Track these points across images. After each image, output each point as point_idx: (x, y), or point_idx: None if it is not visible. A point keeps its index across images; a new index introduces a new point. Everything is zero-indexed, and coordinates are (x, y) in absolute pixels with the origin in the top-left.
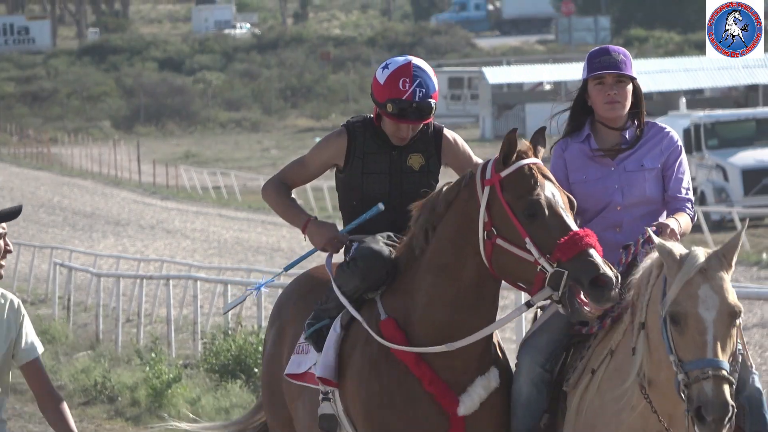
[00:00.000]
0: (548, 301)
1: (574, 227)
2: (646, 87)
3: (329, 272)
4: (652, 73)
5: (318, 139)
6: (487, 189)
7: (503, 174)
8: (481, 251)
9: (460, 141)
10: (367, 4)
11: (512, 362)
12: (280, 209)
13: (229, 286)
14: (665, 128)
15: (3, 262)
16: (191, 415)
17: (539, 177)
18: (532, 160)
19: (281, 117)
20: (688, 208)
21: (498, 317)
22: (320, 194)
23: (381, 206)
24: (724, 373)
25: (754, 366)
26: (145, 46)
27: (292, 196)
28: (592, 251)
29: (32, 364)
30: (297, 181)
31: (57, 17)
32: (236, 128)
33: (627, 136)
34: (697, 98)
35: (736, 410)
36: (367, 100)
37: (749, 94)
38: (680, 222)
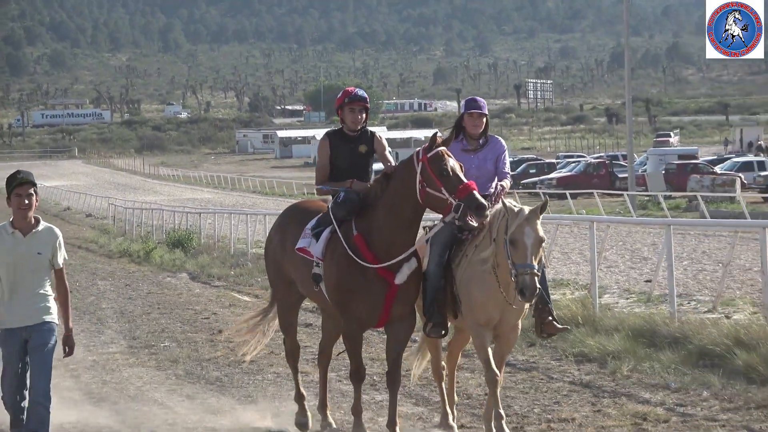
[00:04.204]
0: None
1: (465, 180)
2: None
3: (329, 206)
4: None
5: None
6: (420, 164)
7: (429, 155)
8: (417, 195)
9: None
10: None
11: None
12: (332, 190)
13: None
14: (498, 138)
15: None
16: None
17: (446, 157)
18: (441, 148)
19: None
20: (508, 178)
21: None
22: None
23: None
24: (535, 271)
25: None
26: None
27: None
28: (475, 193)
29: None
30: (326, 174)
31: None
32: None
33: (480, 142)
34: None
35: (540, 290)
36: None
37: None
38: (507, 185)
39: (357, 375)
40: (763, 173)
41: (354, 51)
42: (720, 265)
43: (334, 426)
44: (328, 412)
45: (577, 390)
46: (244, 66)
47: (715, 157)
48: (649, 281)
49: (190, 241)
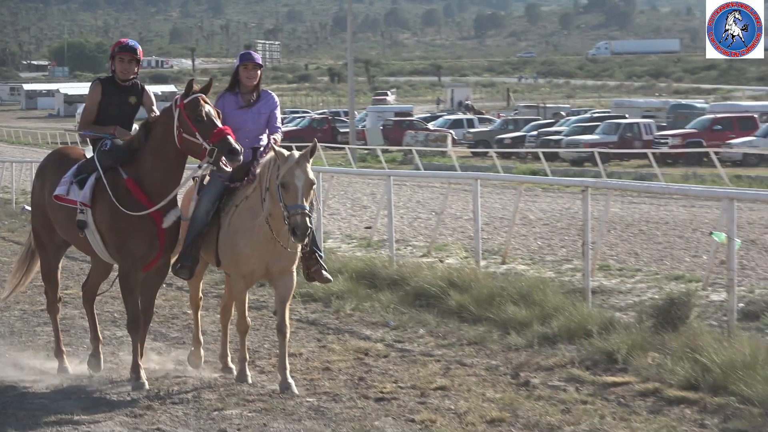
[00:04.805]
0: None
1: (219, 125)
2: None
3: (93, 154)
4: None
5: None
6: (177, 110)
7: (185, 101)
8: (176, 141)
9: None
10: None
11: None
12: (95, 135)
13: None
14: (271, 93)
15: None
16: None
17: (202, 103)
18: (198, 95)
19: None
20: (280, 132)
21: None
22: None
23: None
24: (306, 211)
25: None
26: None
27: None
28: (228, 137)
29: None
30: (92, 118)
31: None
32: None
33: (255, 95)
34: None
35: (312, 230)
36: None
37: None
38: (278, 138)
39: (134, 324)
40: (472, 130)
41: (96, 11)
42: (434, 213)
43: (101, 366)
44: (100, 347)
45: (304, 327)
46: None
47: (429, 114)
48: (369, 228)
49: None
